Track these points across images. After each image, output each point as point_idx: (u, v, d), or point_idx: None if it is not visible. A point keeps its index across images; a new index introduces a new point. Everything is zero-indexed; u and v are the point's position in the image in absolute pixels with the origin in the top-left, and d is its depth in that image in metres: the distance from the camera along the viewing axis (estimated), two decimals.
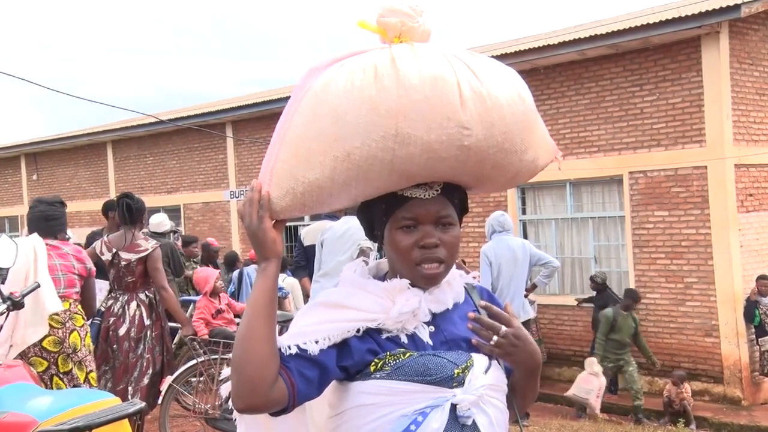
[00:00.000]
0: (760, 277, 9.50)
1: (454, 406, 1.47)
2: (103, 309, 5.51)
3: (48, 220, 4.69)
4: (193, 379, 5.58)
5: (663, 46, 9.91)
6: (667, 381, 9.23)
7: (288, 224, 1.60)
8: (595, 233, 10.91)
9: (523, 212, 11.53)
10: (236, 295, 9.08)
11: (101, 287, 5.55)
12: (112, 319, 5.38)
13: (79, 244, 5.77)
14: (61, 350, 4.36)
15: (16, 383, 3.17)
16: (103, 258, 5.44)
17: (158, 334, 5.48)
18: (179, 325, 5.98)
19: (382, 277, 1.60)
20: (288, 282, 9.18)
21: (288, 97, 1.59)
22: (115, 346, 5.36)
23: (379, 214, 1.56)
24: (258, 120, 14.68)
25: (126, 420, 2.97)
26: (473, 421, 1.48)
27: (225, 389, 1.52)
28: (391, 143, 1.42)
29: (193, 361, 5.48)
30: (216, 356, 5.44)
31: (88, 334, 4.61)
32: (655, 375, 9.57)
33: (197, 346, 5.53)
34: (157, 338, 5.47)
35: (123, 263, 5.40)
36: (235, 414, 1.54)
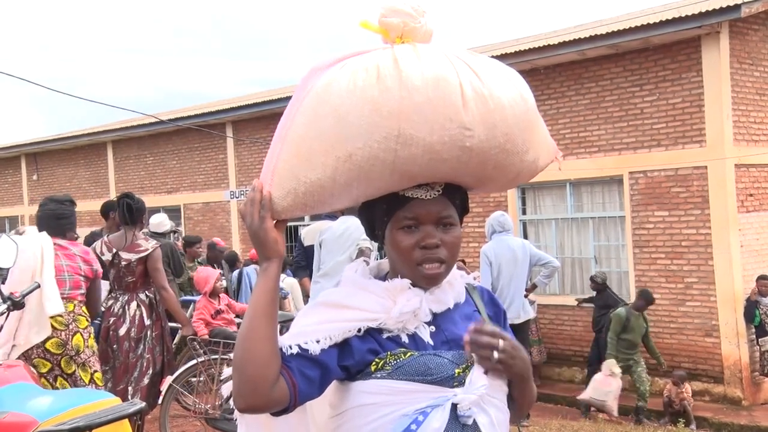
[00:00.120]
0: (761, 277, 9.51)
1: (454, 406, 1.47)
2: (103, 309, 5.51)
3: (58, 219, 4.68)
4: (193, 379, 5.58)
5: (663, 46, 9.92)
6: (668, 381, 9.23)
7: (288, 224, 1.60)
8: (595, 233, 10.91)
9: (524, 212, 11.53)
10: (236, 295, 9.08)
11: (101, 287, 5.55)
12: (112, 319, 5.38)
13: None
14: (64, 353, 4.35)
15: (16, 383, 3.17)
16: (104, 258, 5.44)
17: (158, 334, 5.48)
18: (179, 325, 5.98)
19: (383, 277, 1.60)
20: (287, 282, 9.18)
21: (288, 97, 1.59)
22: (115, 346, 5.36)
23: (380, 214, 1.56)
24: (258, 120, 14.68)
25: (126, 420, 2.97)
26: (474, 420, 1.48)
27: (226, 389, 1.52)
28: (393, 144, 1.42)
29: (193, 361, 5.48)
30: (216, 356, 5.44)
31: (92, 336, 4.59)
32: (655, 375, 9.56)
33: (197, 346, 5.53)
34: (157, 338, 5.47)
35: (123, 263, 5.40)
36: (236, 414, 1.55)
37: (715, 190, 9.61)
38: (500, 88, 1.49)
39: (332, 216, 5.83)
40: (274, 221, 1.52)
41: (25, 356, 4.17)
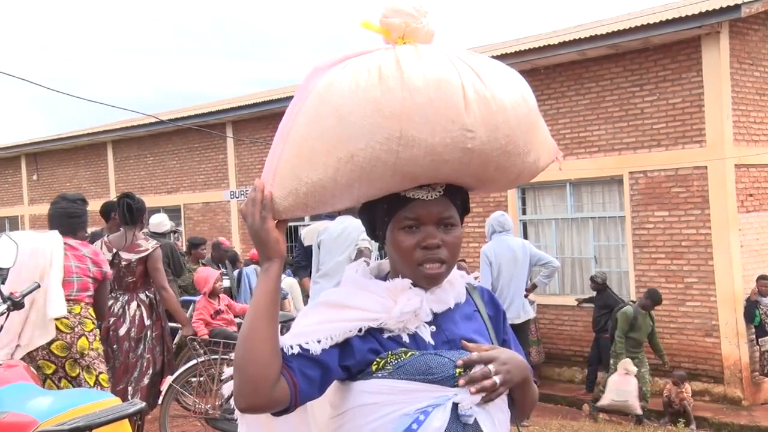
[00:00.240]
0: (761, 277, 9.51)
1: (455, 405, 1.47)
2: None
3: (70, 217, 4.63)
4: (193, 379, 5.58)
5: (663, 46, 9.92)
6: (668, 381, 9.23)
7: (288, 224, 1.60)
8: (595, 233, 10.91)
9: (524, 212, 11.53)
10: (235, 295, 9.09)
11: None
12: (112, 319, 5.38)
13: None
14: (69, 355, 4.31)
15: (17, 383, 3.17)
16: None
17: (158, 334, 5.49)
18: (179, 326, 5.98)
19: (384, 277, 1.60)
20: (287, 282, 9.19)
21: (288, 97, 1.59)
22: (115, 346, 5.36)
23: (381, 214, 1.57)
24: (258, 120, 14.68)
25: (126, 420, 2.97)
26: (475, 420, 1.48)
27: (227, 389, 1.52)
28: (395, 145, 1.42)
29: (193, 361, 5.49)
30: (216, 356, 5.44)
31: (98, 338, 4.53)
32: (655, 375, 9.56)
33: (197, 347, 5.53)
34: (157, 338, 5.47)
35: (123, 263, 5.40)
36: (237, 414, 1.55)
37: (715, 190, 9.61)
38: (502, 90, 1.49)
39: (331, 216, 5.83)
40: (276, 221, 1.51)
41: (30, 357, 4.16)
